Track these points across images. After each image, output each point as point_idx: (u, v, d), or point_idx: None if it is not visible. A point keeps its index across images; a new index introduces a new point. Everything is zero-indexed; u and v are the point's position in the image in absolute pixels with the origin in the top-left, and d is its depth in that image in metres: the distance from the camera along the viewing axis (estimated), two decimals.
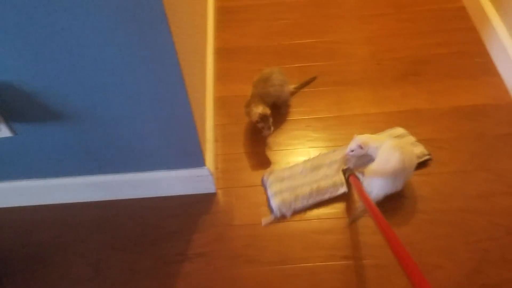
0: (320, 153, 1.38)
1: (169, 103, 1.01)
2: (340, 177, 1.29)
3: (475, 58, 1.61)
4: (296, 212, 1.26)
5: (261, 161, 1.38)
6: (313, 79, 1.57)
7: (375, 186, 1.19)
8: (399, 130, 1.39)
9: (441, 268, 1.13)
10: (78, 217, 1.30)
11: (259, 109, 1.32)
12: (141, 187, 1.28)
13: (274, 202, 1.26)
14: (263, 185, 1.32)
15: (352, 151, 1.25)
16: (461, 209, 1.23)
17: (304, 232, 1.22)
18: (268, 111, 1.33)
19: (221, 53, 1.71)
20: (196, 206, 1.30)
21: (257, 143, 1.43)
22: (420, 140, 1.37)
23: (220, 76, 1.63)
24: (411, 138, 1.37)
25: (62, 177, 1.23)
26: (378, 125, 1.43)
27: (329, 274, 1.14)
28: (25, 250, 1.25)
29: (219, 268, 1.18)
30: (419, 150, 1.33)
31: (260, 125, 1.33)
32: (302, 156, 1.39)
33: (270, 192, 1.28)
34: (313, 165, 1.34)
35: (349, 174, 1.26)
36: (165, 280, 1.16)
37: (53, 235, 1.27)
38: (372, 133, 1.37)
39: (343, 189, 1.27)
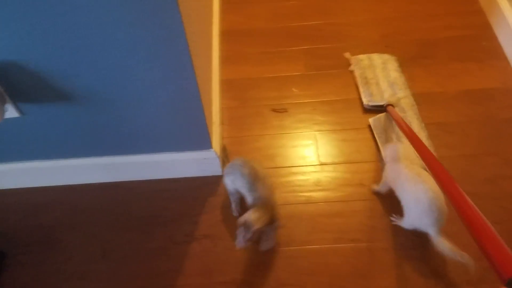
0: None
1: (177, 85, 1.00)
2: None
3: (483, 41, 1.58)
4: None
5: (267, 144, 1.38)
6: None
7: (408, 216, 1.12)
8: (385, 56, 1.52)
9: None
10: (85, 198, 1.31)
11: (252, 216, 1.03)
12: (148, 169, 1.28)
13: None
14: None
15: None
16: (469, 192, 1.21)
17: (311, 215, 1.23)
18: (261, 224, 1.04)
19: (228, 35, 1.69)
20: (203, 188, 1.30)
21: (263, 125, 1.43)
22: (429, 124, 1.36)
23: (227, 59, 1.61)
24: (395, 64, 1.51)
25: (69, 159, 1.24)
26: None
27: (335, 257, 1.15)
28: (32, 231, 1.26)
29: (226, 249, 1.18)
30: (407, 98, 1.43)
31: (238, 231, 1.03)
32: (308, 140, 1.38)
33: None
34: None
35: (387, 105, 1.38)
36: (173, 261, 1.17)
37: (60, 216, 1.28)
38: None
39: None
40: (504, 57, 1.52)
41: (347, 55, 1.53)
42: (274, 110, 1.44)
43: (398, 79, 1.48)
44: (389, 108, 1.37)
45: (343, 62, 1.57)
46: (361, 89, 1.47)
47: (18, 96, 1.00)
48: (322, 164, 1.32)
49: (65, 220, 1.27)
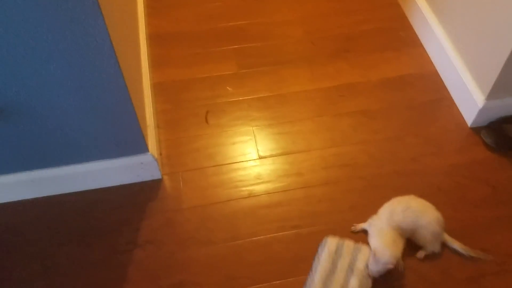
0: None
1: (105, 90, 0.98)
2: None
3: (400, 32, 1.71)
4: None
5: (205, 143, 1.39)
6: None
7: None
8: (332, 245, 1.16)
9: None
10: (18, 216, 1.24)
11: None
12: (82, 180, 1.24)
13: None
14: None
15: (379, 272, 1.08)
16: (396, 171, 1.32)
17: (253, 208, 1.25)
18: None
19: (155, 39, 1.67)
20: (142, 194, 1.28)
21: (199, 126, 1.43)
22: (355, 112, 1.45)
23: (156, 63, 1.60)
24: (349, 244, 1.16)
25: None
26: (316, 101, 1.49)
27: (280, 244, 1.18)
28: None
29: (171, 253, 1.17)
30: (364, 253, 1.15)
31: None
32: (246, 136, 1.41)
33: None
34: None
35: None
36: (118, 270, 1.14)
37: None
38: (310, 110, 1.43)
39: None
40: (420, 45, 1.66)
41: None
42: (206, 116, 1.44)
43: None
44: None
45: (272, 60, 1.62)
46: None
47: None
48: (261, 157, 1.36)
49: None
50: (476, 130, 1.41)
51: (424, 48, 1.65)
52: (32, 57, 0.87)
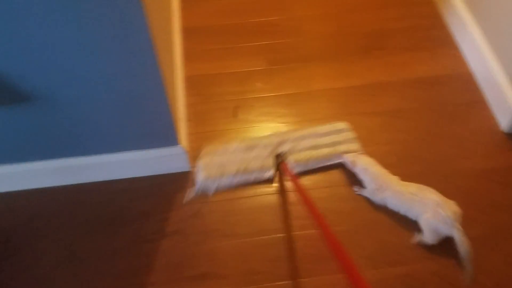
0: (259, 136, 1.37)
1: (142, 82, 1.00)
2: (270, 161, 1.28)
3: (434, 31, 1.67)
4: (220, 190, 1.26)
5: (233, 138, 1.40)
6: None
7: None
8: (341, 125, 1.38)
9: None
10: (47, 202, 1.28)
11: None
12: (113, 169, 1.27)
13: (200, 176, 1.26)
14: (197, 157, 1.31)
15: (352, 163, 1.26)
16: (423, 173, 1.30)
17: (281, 204, 1.26)
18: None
19: (187, 32, 1.69)
20: (171, 185, 1.30)
21: (228, 120, 1.44)
22: (384, 112, 1.43)
23: (188, 56, 1.62)
24: (350, 134, 1.36)
25: (26, 162, 1.20)
26: (344, 99, 1.48)
27: (304, 241, 1.19)
28: None
29: (196, 243, 1.20)
30: (354, 147, 1.33)
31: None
32: (273, 132, 1.41)
33: (198, 164, 1.29)
34: (248, 145, 1.33)
35: (280, 161, 1.25)
36: (143, 258, 1.17)
37: (21, 222, 1.25)
38: (337, 108, 1.42)
39: (269, 174, 1.28)
40: (454, 45, 1.62)
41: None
42: (234, 110, 1.46)
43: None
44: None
45: (301, 56, 1.61)
46: None
47: None
48: None
49: (27, 226, 1.24)
50: (511, 135, 1.37)
51: (458, 48, 1.60)
52: (70, 46, 0.89)
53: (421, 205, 1.14)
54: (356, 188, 1.25)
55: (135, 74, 0.99)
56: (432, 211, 1.11)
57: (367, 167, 1.23)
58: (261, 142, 1.34)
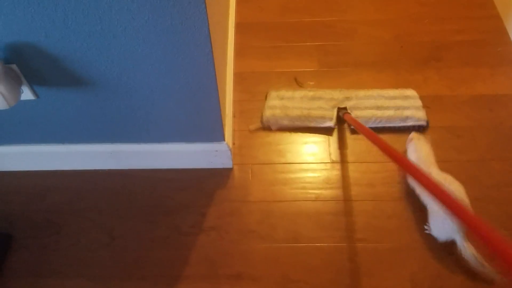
0: (326, 89, 1.44)
1: (195, 76, 0.99)
2: (332, 113, 1.36)
3: (498, 47, 1.58)
4: (282, 129, 1.37)
5: (277, 139, 1.38)
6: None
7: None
8: (409, 91, 1.43)
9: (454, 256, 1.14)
10: (92, 184, 1.30)
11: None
12: (158, 159, 1.28)
13: (265, 114, 1.37)
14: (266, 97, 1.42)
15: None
16: (476, 197, 1.23)
17: (318, 212, 1.23)
18: None
19: (240, 28, 1.67)
20: (212, 180, 1.30)
21: None
22: (440, 127, 1.37)
23: (239, 51, 1.60)
24: (418, 102, 1.40)
25: (78, 144, 1.23)
26: None
27: (343, 255, 1.15)
28: (36, 216, 1.25)
29: (232, 242, 1.18)
30: (420, 114, 1.37)
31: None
32: (320, 137, 1.38)
33: (266, 104, 1.40)
34: (314, 96, 1.41)
35: (344, 112, 1.33)
36: (179, 251, 1.17)
37: (66, 201, 1.27)
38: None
39: (330, 123, 1.35)
40: None
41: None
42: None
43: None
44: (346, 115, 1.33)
45: (354, 61, 1.56)
46: None
47: (33, 79, 0.99)
48: (333, 162, 1.32)
49: (71, 205, 1.27)
50: None
51: None
52: (129, 35, 0.89)
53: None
54: (426, 227, 1.18)
55: (190, 67, 0.98)
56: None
57: (417, 151, 1.22)
58: (326, 94, 1.41)
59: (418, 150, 1.22)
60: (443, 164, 1.29)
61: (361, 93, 1.42)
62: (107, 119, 1.12)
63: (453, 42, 1.60)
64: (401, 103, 1.39)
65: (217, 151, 1.24)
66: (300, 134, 1.39)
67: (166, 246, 1.19)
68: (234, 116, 1.42)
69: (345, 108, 1.37)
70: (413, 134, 1.27)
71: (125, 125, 1.15)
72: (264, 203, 1.25)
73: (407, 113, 1.36)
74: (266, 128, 1.37)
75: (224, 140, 1.22)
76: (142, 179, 1.30)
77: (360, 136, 1.37)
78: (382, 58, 1.56)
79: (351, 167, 1.31)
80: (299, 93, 1.42)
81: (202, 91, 1.05)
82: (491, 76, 1.50)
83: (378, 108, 1.37)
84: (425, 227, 1.17)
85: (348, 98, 1.40)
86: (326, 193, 1.26)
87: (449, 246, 1.13)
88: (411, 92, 1.42)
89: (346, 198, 1.24)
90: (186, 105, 1.08)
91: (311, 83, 1.50)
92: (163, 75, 0.99)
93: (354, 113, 1.36)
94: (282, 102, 1.40)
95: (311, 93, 1.42)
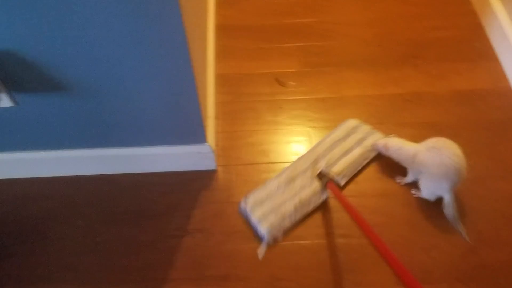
0: (292, 163, 1.30)
1: (174, 77, 1.00)
2: (317, 185, 1.23)
3: (475, 42, 1.61)
4: (287, 232, 1.19)
5: (260, 139, 1.39)
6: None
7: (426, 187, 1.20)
8: (353, 122, 1.38)
9: (437, 247, 1.16)
10: (76, 190, 1.30)
11: None
12: (140, 162, 1.28)
13: (263, 229, 1.17)
14: (243, 213, 1.22)
15: (385, 146, 1.26)
16: (458, 191, 1.25)
17: None
18: None
19: (222, 30, 1.68)
20: (196, 182, 1.30)
21: (256, 121, 1.43)
22: (420, 123, 1.39)
23: (221, 53, 1.61)
24: (366, 127, 1.36)
25: (61, 150, 1.22)
26: (377, 107, 1.44)
27: (328, 251, 1.16)
28: (22, 223, 1.24)
29: (218, 243, 1.19)
30: (377, 136, 1.34)
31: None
32: (302, 136, 1.39)
33: (254, 219, 1.19)
34: (288, 178, 1.26)
35: (327, 181, 1.19)
36: (165, 254, 1.17)
37: (51, 208, 1.27)
38: (370, 116, 1.38)
39: (324, 195, 1.23)
40: (495, 58, 1.56)
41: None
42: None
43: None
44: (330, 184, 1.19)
45: (335, 60, 1.58)
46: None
47: (11, 86, 0.99)
48: (316, 160, 1.33)
49: (55, 212, 1.26)
50: None
51: (500, 62, 1.54)
52: (106, 40, 0.89)
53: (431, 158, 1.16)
54: (413, 191, 1.24)
55: (169, 70, 0.98)
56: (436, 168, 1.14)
57: (400, 146, 1.24)
58: (296, 171, 1.27)
59: (403, 145, 1.23)
60: None
61: (319, 149, 1.32)
62: (89, 124, 1.12)
63: (431, 39, 1.63)
64: (358, 136, 1.35)
65: (200, 153, 1.24)
66: (283, 133, 1.40)
67: (153, 249, 1.19)
68: (217, 117, 1.42)
69: (323, 173, 1.23)
70: (379, 142, 1.27)
71: (107, 130, 1.15)
72: None
73: (369, 141, 1.33)
74: (273, 242, 1.18)
75: (206, 142, 1.22)
76: (127, 184, 1.30)
77: None
78: (362, 57, 1.59)
79: None
80: (271, 185, 1.25)
81: (182, 94, 1.06)
82: (469, 71, 1.53)
83: (347, 152, 1.31)
84: (412, 191, 1.23)
85: (315, 161, 1.29)
86: None
87: (437, 243, 1.15)
88: (355, 122, 1.38)
89: (329, 196, 1.25)
90: (167, 108, 1.09)
91: (293, 83, 1.51)
92: (142, 78, 0.99)
93: (334, 170, 1.26)
94: (265, 206, 1.21)
95: (282, 178, 1.26)
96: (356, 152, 1.31)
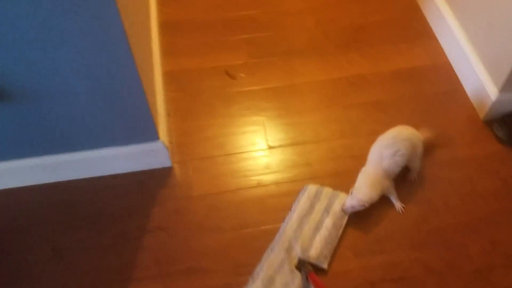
0: (264, 257, 1.14)
1: (117, 76, 0.99)
2: (298, 277, 1.10)
3: (413, 23, 1.69)
4: None
5: (216, 133, 1.40)
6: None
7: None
8: (312, 189, 1.26)
9: (388, 218, 1.21)
10: (30, 200, 1.26)
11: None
12: (93, 166, 1.25)
13: None
14: None
15: (353, 207, 1.17)
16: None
17: (261, 197, 1.26)
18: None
19: (165, 27, 1.68)
20: (153, 181, 1.29)
21: (210, 115, 1.44)
22: (365, 103, 1.45)
23: (167, 51, 1.60)
24: (328, 191, 1.25)
25: (7, 160, 1.18)
26: (325, 91, 1.49)
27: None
28: None
29: (181, 239, 1.19)
30: (341, 198, 1.23)
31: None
32: (256, 125, 1.41)
33: None
34: (266, 280, 1.10)
35: (307, 272, 1.09)
36: (128, 255, 1.16)
37: (6, 220, 1.22)
38: (319, 100, 1.42)
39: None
40: (433, 36, 1.64)
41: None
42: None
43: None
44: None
45: (282, 50, 1.61)
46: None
47: None
48: (270, 148, 1.36)
49: (11, 224, 1.22)
50: (489, 123, 1.39)
51: (437, 39, 1.63)
52: (42, 40, 0.87)
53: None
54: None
55: (112, 69, 0.97)
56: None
57: (361, 185, 1.18)
58: (272, 264, 1.12)
59: (363, 197, 1.16)
60: (371, 137, 1.35)
61: (289, 231, 1.18)
62: (32, 131, 1.09)
63: (371, 23, 1.69)
64: (323, 204, 1.23)
65: (153, 150, 1.24)
66: (237, 125, 1.42)
67: (115, 252, 1.17)
68: (169, 115, 1.42)
69: (301, 263, 1.12)
70: (346, 207, 1.18)
71: (52, 135, 1.12)
72: (208, 196, 1.27)
73: (336, 207, 1.22)
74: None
75: (159, 139, 1.22)
76: (81, 189, 1.28)
77: (295, 120, 1.42)
78: (308, 45, 1.63)
79: (288, 150, 1.35)
80: None
81: (128, 92, 1.05)
82: (409, 50, 1.61)
83: (318, 227, 1.19)
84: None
85: (289, 249, 1.15)
86: (267, 178, 1.30)
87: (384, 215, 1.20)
88: (314, 187, 1.26)
89: (286, 180, 1.29)
90: (113, 108, 1.08)
91: (242, 75, 1.53)
92: (84, 79, 0.98)
93: (312, 255, 1.13)
94: None
95: (258, 283, 1.10)
96: (328, 223, 1.18)
